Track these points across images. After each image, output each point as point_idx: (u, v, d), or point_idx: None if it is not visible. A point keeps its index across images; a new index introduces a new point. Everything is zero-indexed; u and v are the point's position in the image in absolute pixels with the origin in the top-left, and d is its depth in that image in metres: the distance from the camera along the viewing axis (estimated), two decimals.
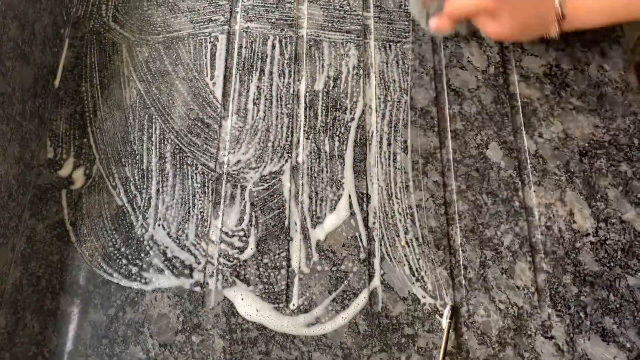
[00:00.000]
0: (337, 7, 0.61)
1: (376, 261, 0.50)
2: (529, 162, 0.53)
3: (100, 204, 0.53)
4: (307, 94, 0.57)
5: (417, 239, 0.51)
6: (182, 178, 0.54)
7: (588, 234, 0.50)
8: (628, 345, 0.46)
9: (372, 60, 0.58)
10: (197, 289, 0.50)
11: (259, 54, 0.59)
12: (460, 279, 0.49)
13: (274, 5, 0.61)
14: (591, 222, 0.51)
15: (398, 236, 0.51)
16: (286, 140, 0.55)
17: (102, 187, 0.54)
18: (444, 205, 0.52)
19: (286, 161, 0.54)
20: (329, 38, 0.59)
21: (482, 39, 0.59)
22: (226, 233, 0.51)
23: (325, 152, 0.54)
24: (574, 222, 0.51)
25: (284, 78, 0.58)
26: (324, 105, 0.56)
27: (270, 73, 0.58)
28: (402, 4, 0.61)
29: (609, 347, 0.46)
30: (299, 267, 0.50)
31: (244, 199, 0.53)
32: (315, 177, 0.53)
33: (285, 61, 0.58)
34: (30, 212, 0.53)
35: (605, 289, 0.48)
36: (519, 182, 0.52)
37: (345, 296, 0.49)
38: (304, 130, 0.55)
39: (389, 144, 0.54)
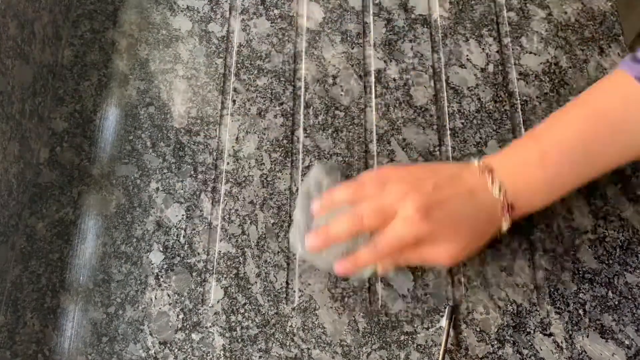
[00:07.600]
0: None
1: None
2: None
3: (100, 202, 0.53)
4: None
5: None
6: (182, 176, 0.54)
7: (587, 232, 0.50)
8: (627, 342, 0.46)
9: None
10: (198, 287, 0.50)
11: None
12: (459, 276, 0.49)
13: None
14: (590, 219, 0.51)
15: None
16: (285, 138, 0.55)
17: (102, 185, 0.54)
18: None
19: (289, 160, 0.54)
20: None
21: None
22: (225, 230, 0.52)
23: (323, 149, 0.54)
24: (573, 219, 0.51)
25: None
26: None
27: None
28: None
29: (608, 344, 0.47)
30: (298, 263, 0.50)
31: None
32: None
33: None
34: (30, 210, 0.53)
35: (604, 286, 0.48)
36: None
37: (344, 294, 0.49)
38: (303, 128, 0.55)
39: (388, 142, 0.54)
